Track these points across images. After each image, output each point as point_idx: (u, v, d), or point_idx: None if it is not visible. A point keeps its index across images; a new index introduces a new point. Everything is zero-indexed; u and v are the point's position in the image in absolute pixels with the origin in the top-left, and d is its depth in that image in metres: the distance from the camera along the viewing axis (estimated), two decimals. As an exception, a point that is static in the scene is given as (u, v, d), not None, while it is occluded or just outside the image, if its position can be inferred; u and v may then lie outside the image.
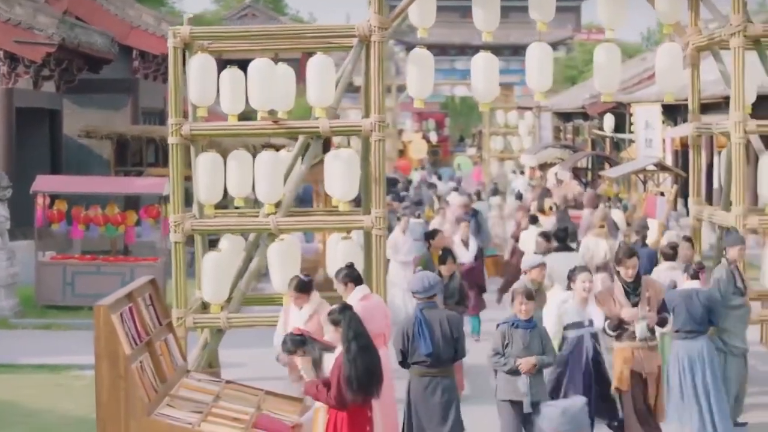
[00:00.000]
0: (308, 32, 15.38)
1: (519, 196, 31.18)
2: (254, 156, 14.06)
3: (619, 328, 11.80)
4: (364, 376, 9.63)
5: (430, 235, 17.61)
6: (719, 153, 25.54)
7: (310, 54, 14.10)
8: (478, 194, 32.70)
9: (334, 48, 15.46)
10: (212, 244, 15.58)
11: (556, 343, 11.82)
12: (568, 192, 29.55)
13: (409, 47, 15.77)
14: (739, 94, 14.17)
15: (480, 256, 19.52)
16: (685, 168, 21.27)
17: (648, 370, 11.83)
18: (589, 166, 37.54)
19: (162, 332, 10.82)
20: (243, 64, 14.13)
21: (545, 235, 17.18)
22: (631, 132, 32.25)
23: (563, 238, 17.82)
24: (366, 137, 14.29)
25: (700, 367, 12.67)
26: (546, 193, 29.84)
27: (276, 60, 14.49)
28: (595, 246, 18.70)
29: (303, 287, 11.79)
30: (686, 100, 16.06)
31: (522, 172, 45.36)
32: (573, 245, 18.31)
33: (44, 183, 21.98)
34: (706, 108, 22.30)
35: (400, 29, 18.70)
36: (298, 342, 10.36)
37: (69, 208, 22.09)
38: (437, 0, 14.57)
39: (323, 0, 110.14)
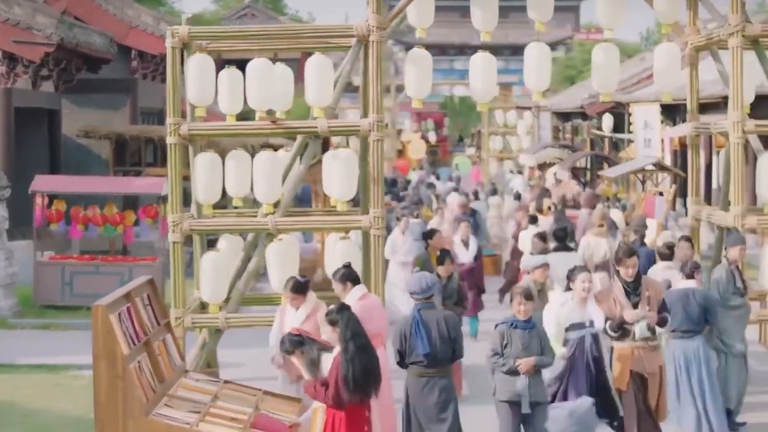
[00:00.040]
0: (306, 32, 15.38)
1: (517, 196, 31.17)
2: (253, 156, 14.07)
3: (621, 328, 11.80)
4: (361, 376, 9.63)
5: (428, 235, 17.61)
6: (718, 153, 25.58)
7: (309, 54, 14.10)
8: (476, 194, 32.69)
9: (333, 48, 15.46)
10: (211, 244, 15.57)
11: (558, 346, 11.80)
12: (566, 192, 29.55)
13: (408, 47, 15.79)
14: (738, 94, 14.17)
15: (480, 256, 19.50)
16: (684, 168, 21.25)
17: (649, 370, 11.84)
18: (588, 165, 37.51)
19: (160, 332, 10.81)
20: (242, 64, 14.14)
21: (541, 236, 17.18)
22: (629, 132, 32.22)
23: (562, 237, 17.82)
24: (364, 137, 14.29)
25: (696, 367, 12.71)
26: (545, 193, 29.83)
27: (275, 60, 14.49)
28: (595, 245, 18.72)
29: (299, 288, 11.80)
30: (685, 99, 16.06)
31: (520, 172, 45.34)
32: (571, 245, 18.30)
33: (43, 183, 21.97)
34: (705, 108, 22.30)
35: (399, 29, 18.72)
36: (297, 342, 10.36)
37: (68, 208, 22.08)
38: (436, 0, 14.56)
39: (322, 0, 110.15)
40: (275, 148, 15.63)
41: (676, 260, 14.64)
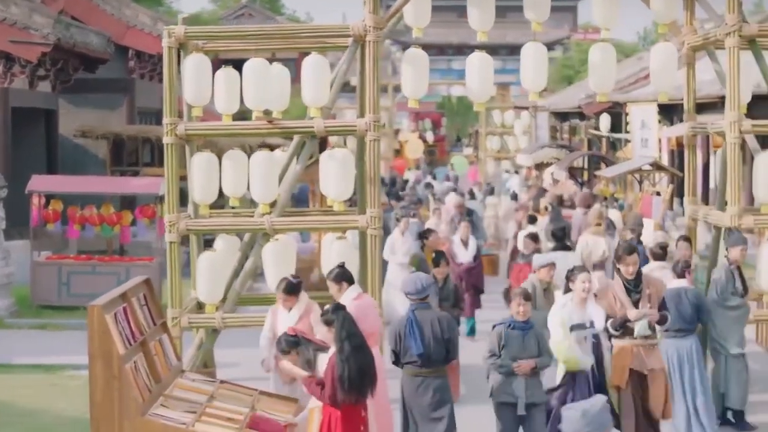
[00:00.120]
0: (303, 32, 15.36)
1: (514, 196, 31.18)
2: (250, 156, 14.06)
3: (623, 326, 11.81)
4: (357, 376, 9.64)
5: (423, 235, 17.60)
6: (715, 153, 25.57)
7: (307, 54, 14.10)
8: (471, 193, 32.70)
9: (330, 48, 15.43)
10: (207, 243, 15.56)
11: (565, 349, 11.73)
12: (564, 191, 29.56)
13: (406, 47, 15.88)
14: (735, 94, 14.15)
15: (479, 256, 19.50)
16: (681, 168, 21.25)
17: (649, 367, 11.84)
18: (586, 165, 37.53)
19: (156, 332, 10.81)
20: (240, 64, 14.13)
21: (532, 236, 17.18)
22: (627, 132, 32.23)
23: (561, 237, 17.83)
24: (361, 137, 14.28)
25: (688, 366, 12.77)
26: (542, 193, 29.87)
27: (273, 60, 14.48)
28: (594, 244, 18.74)
29: (292, 289, 11.80)
30: (682, 99, 16.05)
31: (516, 172, 45.33)
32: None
33: (40, 183, 21.96)
34: (702, 108, 22.27)
35: (397, 29, 18.69)
36: (293, 342, 10.38)
37: (65, 208, 22.08)
38: (433, 0, 14.56)
39: (320, 0, 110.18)
40: (272, 148, 15.61)
41: (675, 260, 14.66)
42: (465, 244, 19.19)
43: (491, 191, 34.00)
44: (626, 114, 31.95)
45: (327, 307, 10.12)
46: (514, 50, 60.18)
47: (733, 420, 13.57)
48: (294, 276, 12.13)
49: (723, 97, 14.57)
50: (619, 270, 12.03)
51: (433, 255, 15.50)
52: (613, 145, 38.32)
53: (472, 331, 18.81)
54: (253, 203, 14.64)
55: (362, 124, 13.91)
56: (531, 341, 11.21)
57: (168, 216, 14.02)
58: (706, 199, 26.30)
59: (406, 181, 41.09)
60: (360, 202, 14.69)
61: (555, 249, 17.13)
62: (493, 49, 41.07)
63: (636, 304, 11.80)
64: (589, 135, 42.23)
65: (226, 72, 14.13)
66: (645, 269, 14.45)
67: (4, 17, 24.24)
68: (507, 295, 20.83)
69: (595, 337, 12.05)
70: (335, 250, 13.76)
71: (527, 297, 11.41)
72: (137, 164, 28.58)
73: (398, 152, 62.25)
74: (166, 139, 14.00)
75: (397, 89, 56.52)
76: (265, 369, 11.99)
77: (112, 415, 9.34)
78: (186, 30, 14.05)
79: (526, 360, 11.11)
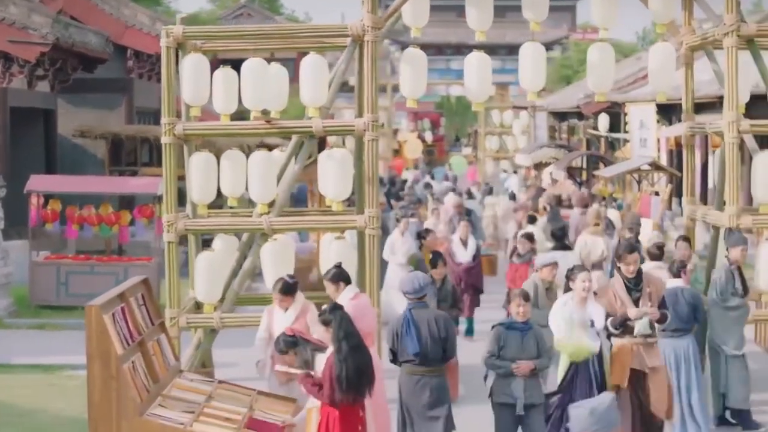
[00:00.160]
0: (301, 32, 15.38)
1: (512, 196, 31.18)
2: (248, 156, 14.06)
3: (623, 325, 11.80)
4: (354, 376, 9.64)
5: (421, 235, 17.60)
6: (714, 153, 25.58)
7: (305, 54, 14.10)
8: (469, 193, 32.71)
9: (328, 48, 15.44)
10: (206, 243, 15.56)
11: (572, 343, 11.70)
12: (563, 191, 29.57)
13: (405, 47, 15.85)
14: (733, 94, 14.16)
15: (478, 256, 19.47)
16: (680, 167, 21.26)
17: (650, 365, 11.82)
18: (584, 165, 37.54)
19: (154, 332, 10.80)
20: (239, 64, 14.13)
21: (528, 236, 17.17)
22: (625, 131, 32.24)
23: (561, 237, 17.84)
24: (359, 137, 14.28)
25: (685, 366, 12.79)
26: (541, 192, 29.89)
27: (271, 60, 14.48)
28: (592, 244, 18.74)
29: (288, 289, 11.79)
30: (680, 99, 16.06)
31: (515, 172, 45.33)
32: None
33: (38, 182, 21.94)
34: (701, 107, 22.28)
35: (395, 29, 18.71)
36: (291, 342, 10.37)
37: (63, 208, 22.06)
38: (432, 0, 14.56)
39: (319, 0, 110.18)
40: (270, 148, 15.61)
41: (672, 260, 14.67)
42: (464, 243, 19.17)
43: (490, 191, 34.00)
44: (625, 114, 31.96)
45: (324, 307, 10.12)
46: (512, 50, 60.01)
47: (732, 420, 13.56)
48: (290, 276, 12.11)
49: (721, 97, 14.58)
50: (619, 269, 12.04)
51: (431, 256, 15.47)
52: (612, 145, 38.33)
53: (470, 331, 18.79)
54: (251, 203, 14.64)
55: (360, 123, 13.91)
56: (530, 342, 11.20)
57: (166, 216, 14.03)
58: (704, 199, 26.33)
59: (405, 181, 41.10)
60: (358, 202, 14.69)
61: (554, 249, 17.11)
62: (491, 49, 41.01)
63: (636, 303, 11.80)
64: (587, 135, 42.26)
65: (225, 72, 14.13)
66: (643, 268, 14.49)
67: (3, 17, 24.24)
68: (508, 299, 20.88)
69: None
70: (334, 250, 13.76)
71: (527, 298, 11.42)
72: (136, 164, 28.56)
73: (397, 152, 62.27)
74: (165, 139, 14.01)
75: (395, 89, 56.60)
76: (259, 370, 11.99)
77: (110, 415, 9.34)
78: (184, 30, 14.05)
79: (525, 361, 11.09)
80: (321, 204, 18.73)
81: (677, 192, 28.29)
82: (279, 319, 11.81)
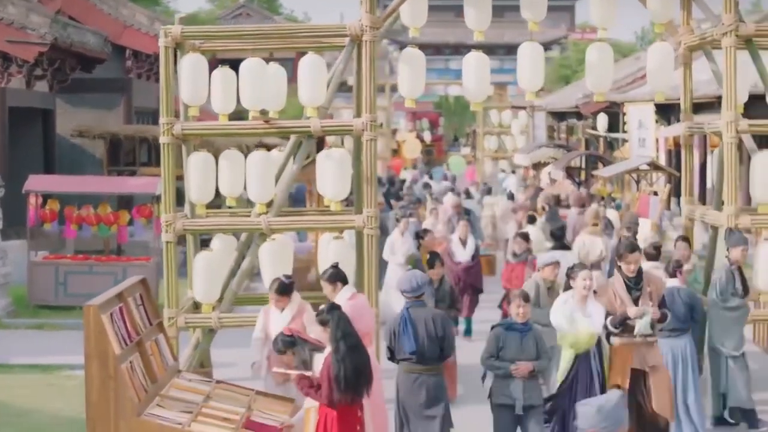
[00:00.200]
0: (300, 32, 15.38)
1: (510, 196, 31.17)
2: (246, 156, 14.05)
3: (623, 324, 11.78)
4: (352, 376, 9.64)
5: (419, 235, 17.60)
6: (712, 152, 25.56)
7: (304, 54, 14.10)
8: (467, 192, 32.71)
9: (327, 48, 15.44)
10: (204, 243, 15.55)
11: (573, 338, 11.68)
12: (561, 191, 29.55)
13: (403, 47, 15.85)
14: (731, 94, 14.16)
15: (477, 255, 19.46)
16: (679, 167, 21.26)
17: (650, 364, 11.80)
18: (583, 165, 37.52)
19: (152, 332, 10.80)
20: (238, 64, 14.12)
21: (524, 236, 17.15)
22: (624, 131, 32.23)
23: (560, 237, 17.83)
24: (357, 137, 14.28)
25: (682, 365, 12.80)
26: (539, 192, 29.88)
27: (270, 60, 14.48)
28: (591, 244, 18.73)
29: (284, 289, 11.80)
30: (679, 99, 16.05)
31: (513, 172, 45.32)
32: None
33: (37, 182, 21.93)
34: (700, 107, 22.27)
35: (394, 29, 18.69)
36: (289, 342, 10.37)
37: (61, 208, 22.06)
38: (430, -1, 14.57)
39: (318, 0, 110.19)
40: (268, 148, 15.61)
41: (671, 260, 14.67)
42: (463, 243, 19.16)
43: (489, 191, 33.99)
44: (623, 114, 31.96)
45: (322, 307, 10.13)
46: (511, 50, 59.98)
47: (731, 420, 13.55)
48: (286, 276, 12.11)
49: (720, 97, 14.58)
50: (620, 267, 12.01)
51: (428, 256, 15.45)
52: (611, 145, 38.33)
53: (468, 332, 18.78)
54: (251, 203, 14.65)
55: (359, 123, 13.91)
56: (529, 343, 11.17)
57: (164, 216, 14.02)
58: (703, 199, 26.33)
59: (403, 181, 41.10)
60: (357, 202, 14.69)
61: (554, 248, 17.09)
62: (490, 49, 40.96)
63: (636, 302, 11.79)
64: (586, 135, 42.25)
65: (223, 72, 14.12)
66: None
67: (1, 17, 24.21)
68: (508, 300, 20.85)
69: (597, 342, 11.96)
70: (332, 250, 13.76)
71: (527, 299, 11.40)
72: (134, 164, 28.56)
73: (396, 152, 62.28)
74: (163, 139, 14.00)
75: (394, 89, 56.60)
76: (254, 372, 12.00)
77: (108, 415, 9.34)
78: (183, 30, 14.05)
79: (523, 362, 11.08)
80: (319, 204, 18.73)
81: (676, 192, 28.29)
82: (275, 319, 11.81)
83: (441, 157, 67.45)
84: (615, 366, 11.89)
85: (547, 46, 64.08)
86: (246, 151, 15.55)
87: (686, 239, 15.39)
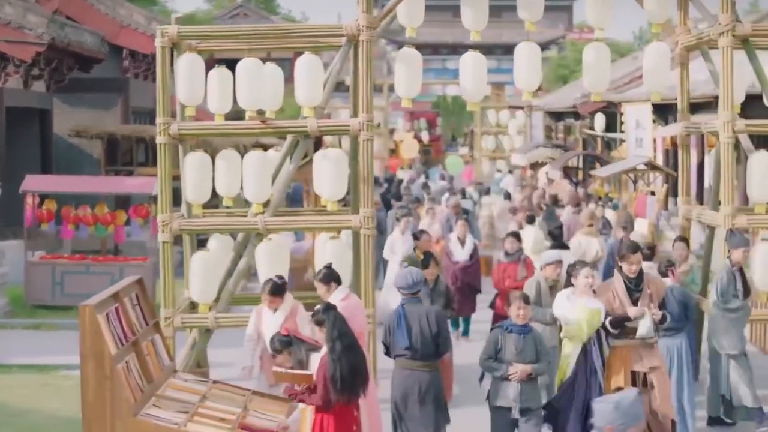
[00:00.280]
0: (297, 32, 15.37)
1: (507, 196, 31.17)
2: (243, 156, 14.05)
3: (622, 325, 11.74)
4: (349, 375, 9.63)
5: (416, 236, 17.59)
6: (710, 152, 25.57)
7: (301, 54, 14.09)
8: (463, 192, 32.71)
9: (323, 47, 15.44)
10: (201, 243, 15.55)
11: (586, 326, 11.63)
12: (559, 191, 29.58)
13: (401, 47, 15.86)
14: (728, 94, 14.16)
15: (476, 255, 19.43)
16: (676, 167, 21.28)
17: (650, 365, 11.74)
18: (580, 165, 37.54)
19: (149, 332, 10.78)
20: (235, 64, 14.11)
21: (516, 235, 17.14)
22: (622, 131, 32.24)
23: (558, 236, 17.82)
24: (354, 137, 14.27)
25: (677, 364, 12.82)
26: (543, 193, 29.93)
27: (268, 60, 14.47)
28: (587, 244, 18.74)
29: (277, 290, 11.79)
30: (676, 99, 16.05)
31: (510, 172, 45.33)
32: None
33: (34, 182, 21.93)
34: (698, 107, 22.29)
35: (392, 28, 18.71)
36: (285, 342, 10.37)
37: (59, 208, 22.05)
38: (428, -1, 14.58)
39: (316, 0, 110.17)
40: (265, 148, 15.61)
41: (666, 259, 14.69)
42: (462, 242, 19.13)
43: (487, 191, 34.01)
44: (621, 114, 31.96)
45: (318, 307, 10.12)
46: (509, 50, 59.84)
47: (728, 420, 13.53)
48: (279, 277, 12.10)
49: (717, 97, 14.58)
50: (620, 268, 11.92)
51: (422, 256, 15.41)
52: (608, 145, 38.32)
53: (466, 332, 18.76)
54: (247, 203, 14.65)
55: (355, 123, 13.91)
56: (529, 345, 11.12)
57: (161, 216, 14.01)
58: (701, 199, 26.32)
59: (401, 181, 41.14)
60: (353, 202, 14.69)
61: (552, 248, 17.08)
62: (488, 49, 40.96)
63: (635, 304, 11.72)
64: (583, 134, 42.24)
65: (219, 72, 14.12)
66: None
67: (-2, 17, 24.23)
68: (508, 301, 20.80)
69: (597, 333, 11.86)
70: (329, 250, 13.76)
71: (527, 300, 11.34)
72: (131, 164, 28.56)
73: (393, 152, 62.25)
74: (159, 139, 13.99)
75: (392, 89, 56.52)
76: (245, 375, 12.00)
77: (104, 415, 9.32)
78: (179, 30, 14.04)
79: (521, 365, 11.05)
80: (317, 204, 18.73)
81: (673, 192, 28.31)
82: (268, 319, 11.82)
83: (439, 157, 67.40)
84: (614, 368, 11.82)
85: (544, 46, 64.06)
86: (243, 151, 15.51)
87: (684, 239, 15.39)
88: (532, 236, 19.84)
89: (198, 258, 13.96)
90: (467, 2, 14.23)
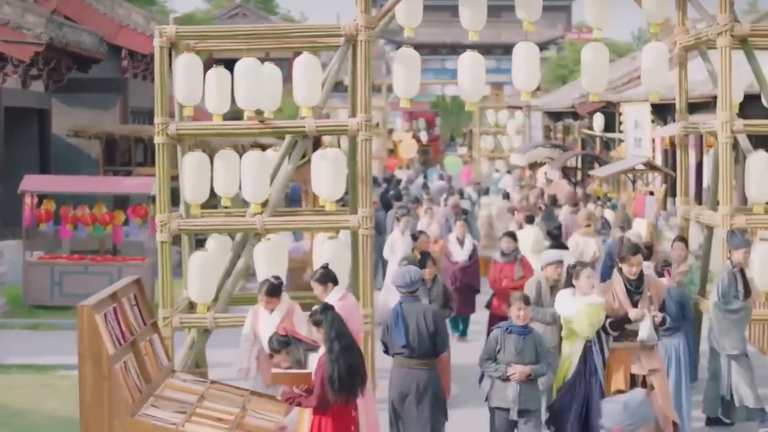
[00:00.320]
0: (295, 32, 15.34)
1: (506, 196, 31.17)
2: (242, 156, 14.04)
3: (621, 327, 11.71)
4: (347, 375, 9.62)
5: (414, 236, 17.60)
6: (708, 152, 25.58)
7: (299, 54, 14.09)
8: (461, 192, 32.70)
9: (322, 47, 15.43)
10: (199, 243, 15.54)
11: (587, 321, 11.61)
12: (557, 191, 29.57)
13: (400, 47, 15.84)
14: (726, 94, 14.16)
15: (475, 255, 19.43)
16: (675, 167, 21.29)
17: (649, 368, 11.69)
18: (579, 165, 37.54)
19: (147, 332, 10.79)
20: (234, 64, 14.11)
21: (512, 235, 17.14)
22: (620, 131, 32.25)
23: (557, 236, 17.81)
24: (353, 137, 14.27)
25: (675, 363, 12.82)
26: (540, 193, 29.91)
27: (267, 59, 14.46)
28: (584, 244, 18.72)
29: (273, 291, 11.80)
30: (674, 99, 16.05)
31: (509, 172, 45.33)
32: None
33: (32, 182, 21.92)
34: (697, 107, 22.29)
35: (390, 28, 18.67)
36: (283, 342, 10.36)
37: (57, 208, 22.04)
38: (426, -1, 14.57)
39: (315, 0, 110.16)
40: (263, 148, 15.60)
41: (671, 260, 14.71)
42: (461, 243, 19.12)
43: (486, 191, 33.98)
44: (620, 114, 31.97)
45: (315, 307, 10.12)
46: (508, 50, 59.95)
47: (726, 420, 13.52)
48: (275, 277, 12.10)
49: (715, 97, 14.57)
50: (621, 270, 11.86)
51: (419, 256, 15.41)
52: (607, 145, 38.32)
53: (464, 333, 18.76)
54: (245, 203, 14.65)
55: (354, 123, 13.90)
56: (528, 346, 11.10)
57: (159, 216, 14.01)
58: (699, 199, 26.33)
59: (399, 181, 41.14)
60: (352, 202, 14.68)
61: (551, 248, 17.08)
62: (487, 49, 40.91)
63: (635, 306, 11.67)
64: (582, 135, 42.25)
65: (217, 72, 14.12)
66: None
67: (-3, 17, 24.21)
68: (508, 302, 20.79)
69: (597, 334, 11.82)
70: (327, 250, 13.76)
71: (527, 301, 11.32)
72: (130, 164, 28.55)
73: (392, 152, 62.26)
74: (158, 139, 13.99)
75: (390, 89, 56.55)
76: (240, 375, 12.00)
77: (102, 415, 9.33)
78: (177, 30, 14.04)
79: (519, 366, 11.03)
80: (315, 204, 18.73)
81: (672, 192, 28.31)
82: (264, 320, 11.83)
83: (438, 157, 67.45)
84: (613, 370, 11.76)
85: (543, 46, 64.13)
86: (241, 151, 15.50)
87: (683, 240, 15.38)
88: (532, 236, 19.84)
89: (196, 258, 13.95)
90: (466, 2, 14.23)
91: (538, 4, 14.34)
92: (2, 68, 24.93)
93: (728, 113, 14.16)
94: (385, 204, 26.89)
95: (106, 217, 22.07)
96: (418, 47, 14.65)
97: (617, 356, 11.78)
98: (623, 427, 10.56)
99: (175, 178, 14.19)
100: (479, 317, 18.07)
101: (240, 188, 14.03)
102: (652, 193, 24.43)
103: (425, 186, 36.53)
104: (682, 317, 13.04)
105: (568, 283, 12.20)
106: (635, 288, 11.73)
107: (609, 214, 23.30)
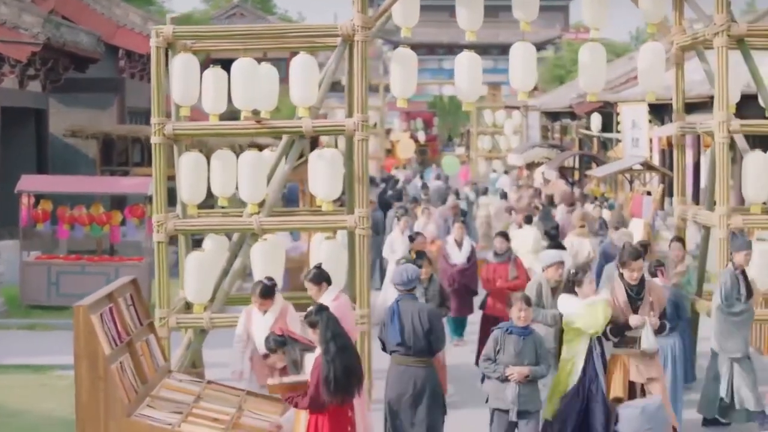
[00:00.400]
0: (292, 32, 15.34)
1: (503, 196, 31.16)
2: (239, 156, 14.04)
3: (621, 333, 11.67)
4: (343, 376, 9.62)
5: (411, 237, 17.59)
6: (705, 152, 25.57)
7: (297, 54, 14.09)
8: (457, 193, 32.69)
9: (319, 48, 15.43)
10: (196, 243, 15.54)
11: (592, 317, 11.55)
12: (555, 191, 29.57)
13: (398, 47, 15.83)
14: (723, 94, 14.16)
15: (473, 257, 19.40)
16: (672, 167, 21.27)
17: (647, 376, 11.63)
18: (576, 165, 37.53)
19: (143, 333, 10.79)
20: (231, 64, 14.10)
21: (504, 235, 17.12)
22: (618, 131, 32.24)
23: (555, 236, 17.80)
24: (349, 137, 14.26)
25: (671, 364, 12.82)
26: (535, 193, 29.90)
27: (264, 60, 14.46)
28: (579, 245, 18.72)
29: (267, 292, 11.80)
30: (671, 99, 16.05)
31: (506, 172, 45.33)
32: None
33: (29, 182, 21.90)
34: (694, 107, 22.27)
35: (387, 28, 18.69)
36: (280, 342, 10.36)
37: (54, 208, 22.02)
38: (423, -1, 14.57)
39: (312, 0, 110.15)
40: (260, 148, 15.60)
41: (669, 260, 14.70)
42: (459, 244, 19.09)
43: (485, 191, 33.97)
44: (617, 114, 31.96)
45: (310, 308, 10.11)
46: (505, 50, 59.75)
47: (723, 421, 13.50)
48: (268, 278, 12.10)
49: (713, 97, 14.57)
50: (622, 275, 11.78)
51: (414, 256, 15.38)
52: (604, 145, 38.31)
53: (461, 333, 18.73)
54: (242, 203, 14.64)
55: (350, 123, 13.90)
56: (528, 347, 11.07)
57: (156, 216, 14.01)
58: (697, 199, 26.32)
59: (398, 181, 41.13)
60: (348, 202, 14.67)
61: (549, 248, 17.08)
62: (484, 49, 40.92)
63: (636, 312, 11.61)
64: (580, 135, 42.23)
65: (214, 72, 14.12)
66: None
67: (-6, 17, 24.19)
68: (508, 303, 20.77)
69: (599, 339, 11.78)
70: (324, 251, 13.75)
71: (528, 302, 11.29)
72: (127, 164, 28.54)
73: (390, 152, 62.27)
74: (154, 139, 13.99)
75: (388, 89, 56.53)
76: (237, 377, 11.99)
77: (98, 415, 9.32)
78: (174, 30, 14.03)
79: (518, 367, 11.01)
80: (312, 204, 18.72)
81: (669, 192, 28.31)
82: (257, 321, 11.84)
83: (435, 157, 67.47)
84: (613, 377, 11.69)
85: (541, 46, 64.17)
86: (238, 151, 15.51)
87: (681, 240, 15.38)
88: (532, 236, 19.83)
89: (193, 258, 13.95)
90: (463, 2, 14.23)
91: (535, 4, 14.35)
92: (-1, 68, 24.94)
93: (725, 113, 14.16)
94: (384, 204, 26.87)
95: (103, 217, 22.05)
96: (415, 47, 14.65)
97: (616, 363, 11.73)
98: None
99: (172, 178, 14.19)
100: (473, 317, 18.05)
101: (237, 188, 14.03)
102: (649, 193, 24.39)
103: (424, 186, 36.51)
104: (677, 317, 13.04)
105: (567, 288, 12.10)
106: (636, 294, 11.66)
107: (607, 214, 23.30)
